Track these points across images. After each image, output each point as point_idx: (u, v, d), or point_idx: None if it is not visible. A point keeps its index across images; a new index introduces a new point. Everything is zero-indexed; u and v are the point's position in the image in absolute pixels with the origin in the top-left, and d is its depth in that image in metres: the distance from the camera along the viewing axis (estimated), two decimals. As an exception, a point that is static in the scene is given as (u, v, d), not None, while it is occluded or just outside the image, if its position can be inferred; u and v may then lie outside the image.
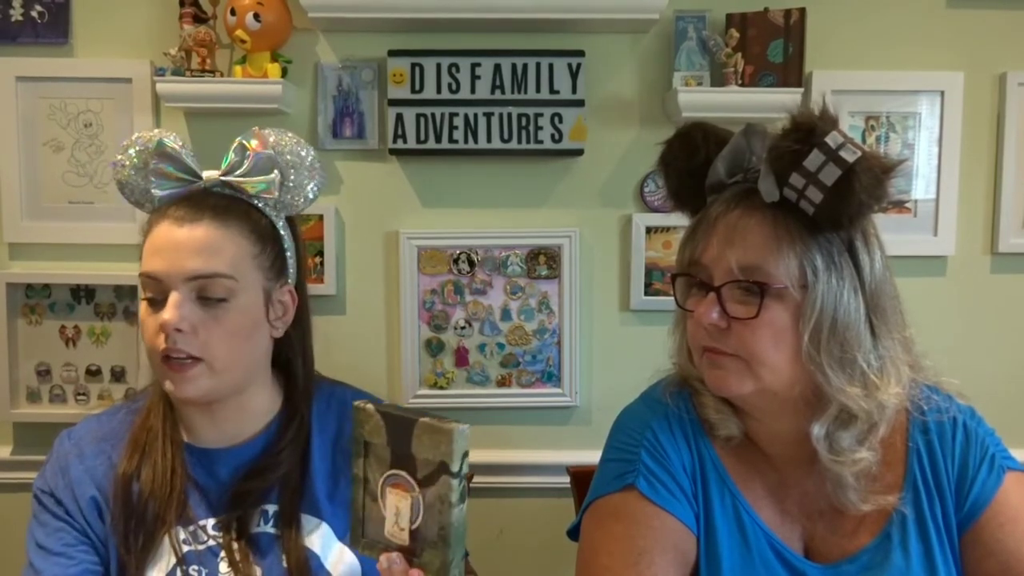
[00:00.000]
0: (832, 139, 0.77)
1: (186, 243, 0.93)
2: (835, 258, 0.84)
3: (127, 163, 0.99)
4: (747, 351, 0.84)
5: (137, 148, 0.99)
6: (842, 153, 0.77)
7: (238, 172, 0.98)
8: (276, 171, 0.99)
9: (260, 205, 1.00)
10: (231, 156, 0.99)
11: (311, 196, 1.03)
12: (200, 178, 0.98)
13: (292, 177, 1.01)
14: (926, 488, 0.90)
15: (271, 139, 1.00)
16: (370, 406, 0.78)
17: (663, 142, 0.96)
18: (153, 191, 0.97)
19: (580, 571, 0.93)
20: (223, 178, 0.99)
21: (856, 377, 0.84)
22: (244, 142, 0.99)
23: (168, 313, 0.91)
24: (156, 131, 1.00)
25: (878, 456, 0.88)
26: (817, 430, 0.86)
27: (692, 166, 0.92)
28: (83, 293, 1.63)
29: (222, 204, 0.97)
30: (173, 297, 0.91)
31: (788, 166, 0.80)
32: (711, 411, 0.93)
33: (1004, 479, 0.90)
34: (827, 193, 0.78)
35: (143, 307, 0.95)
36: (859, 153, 0.77)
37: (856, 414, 0.85)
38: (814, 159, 0.78)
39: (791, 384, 0.86)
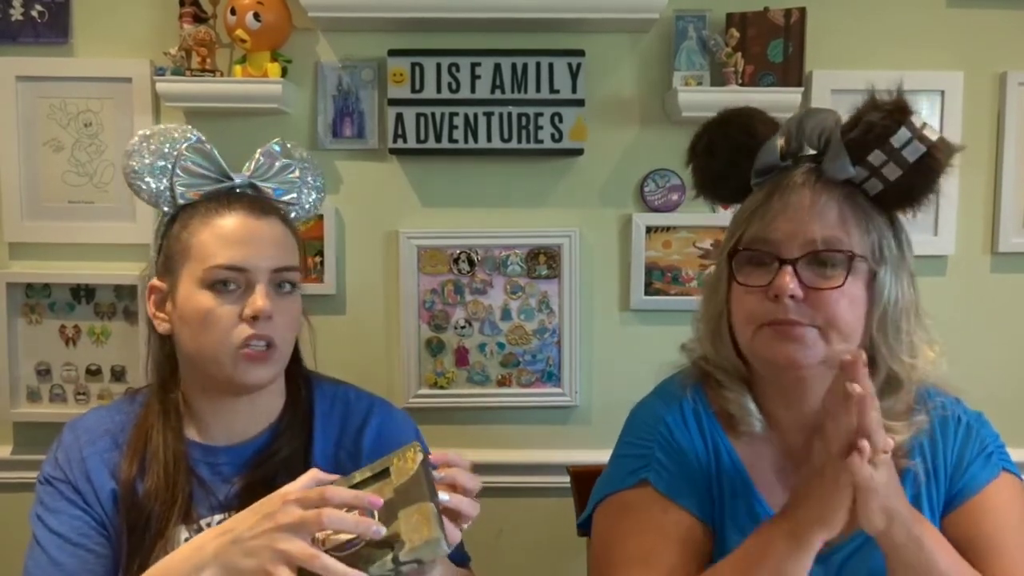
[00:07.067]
0: (916, 119, 0.84)
1: (267, 235, 0.98)
2: (895, 236, 0.89)
3: (151, 157, 0.99)
4: (825, 319, 0.86)
5: (166, 142, 0.99)
6: (925, 132, 0.83)
7: (267, 176, 1.04)
8: (300, 176, 1.07)
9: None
10: (261, 160, 1.04)
11: (310, 209, 1.10)
12: (231, 179, 1.01)
13: (304, 188, 1.09)
14: (926, 480, 0.91)
15: (295, 152, 1.07)
16: (420, 455, 0.82)
17: (709, 123, 0.97)
18: (179, 187, 0.98)
19: (594, 567, 0.95)
20: (253, 180, 1.03)
21: (909, 348, 0.89)
22: (272, 148, 1.05)
23: (262, 301, 0.94)
24: (175, 126, 1.01)
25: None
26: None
27: (750, 146, 0.93)
28: (83, 293, 1.63)
29: (268, 202, 1.03)
30: (260, 286, 0.95)
31: (872, 143, 0.84)
32: (734, 406, 0.94)
33: (998, 475, 0.91)
34: (908, 170, 0.84)
35: (207, 298, 0.94)
36: (938, 133, 0.84)
37: (902, 382, 0.89)
38: (901, 136, 0.83)
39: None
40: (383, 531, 0.75)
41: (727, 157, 0.94)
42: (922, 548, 0.80)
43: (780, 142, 0.91)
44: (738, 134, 0.94)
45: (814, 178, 0.88)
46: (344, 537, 0.77)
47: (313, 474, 0.82)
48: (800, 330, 0.86)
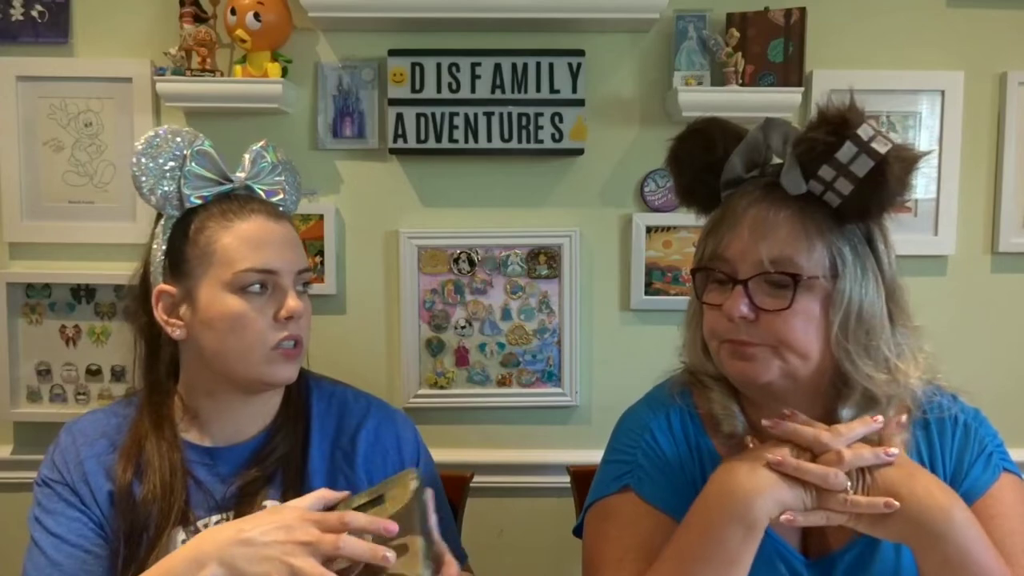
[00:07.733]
0: (863, 131, 0.80)
1: (288, 238, 1.01)
2: (858, 248, 0.86)
3: (161, 160, 0.99)
4: (776, 339, 0.85)
5: (172, 146, 0.99)
6: (874, 144, 0.79)
7: (261, 178, 1.04)
8: (285, 178, 1.08)
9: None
10: (254, 163, 1.04)
11: (292, 209, 1.11)
12: (231, 181, 1.02)
13: (289, 189, 1.10)
14: None
15: (277, 153, 1.08)
16: (415, 483, 0.83)
17: (675, 138, 0.96)
18: (186, 190, 0.98)
19: (583, 570, 0.96)
20: (248, 182, 1.03)
21: (880, 363, 0.87)
22: (262, 151, 1.05)
23: (295, 302, 0.97)
24: (179, 128, 1.01)
25: None
26: (847, 414, 0.88)
27: (710, 161, 0.92)
28: (83, 293, 1.63)
29: (276, 205, 1.04)
30: (290, 288, 0.98)
31: (819, 158, 0.82)
32: (718, 406, 0.94)
33: (999, 477, 0.90)
34: (858, 184, 0.81)
35: (236, 301, 0.95)
36: (890, 144, 0.79)
37: (879, 399, 0.87)
38: (846, 151, 0.80)
39: (816, 369, 0.88)
40: (393, 558, 0.76)
41: (691, 171, 0.95)
42: (964, 566, 0.78)
43: (743, 155, 0.90)
44: (698, 149, 0.93)
45: (771, 193, 0.87)
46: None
47: (321, 493, 0.84)
48: (752, 349, 0.87)
